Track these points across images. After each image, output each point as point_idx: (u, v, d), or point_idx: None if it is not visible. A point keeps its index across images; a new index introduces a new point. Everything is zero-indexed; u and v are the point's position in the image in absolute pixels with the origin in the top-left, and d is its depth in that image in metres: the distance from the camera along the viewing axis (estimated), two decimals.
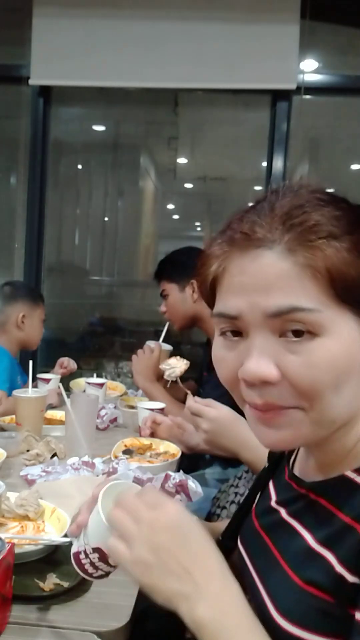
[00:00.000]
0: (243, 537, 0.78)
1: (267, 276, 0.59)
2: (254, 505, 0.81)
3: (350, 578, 0.56)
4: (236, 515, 0.89)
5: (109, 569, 0.69)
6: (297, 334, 0.59)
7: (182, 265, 2.05)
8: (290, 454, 0.79)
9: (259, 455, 1.11)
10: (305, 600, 0.59)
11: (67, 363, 2.31)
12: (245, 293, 0.61)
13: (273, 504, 0.73)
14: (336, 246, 0.58)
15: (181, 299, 2.05)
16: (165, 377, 1.56)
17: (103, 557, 0.67)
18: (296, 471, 0.74)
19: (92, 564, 0.67)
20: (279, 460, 0.81)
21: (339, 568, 0.57)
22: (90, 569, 0.68)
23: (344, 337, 0.58)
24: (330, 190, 0.64)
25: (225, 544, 0.85)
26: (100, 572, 0.68)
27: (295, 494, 0.70)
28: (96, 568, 0.67)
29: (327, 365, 0.58)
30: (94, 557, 0.67)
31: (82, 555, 0.68)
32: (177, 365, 1.54)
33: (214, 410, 1.19)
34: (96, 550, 0.66)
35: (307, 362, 0.58)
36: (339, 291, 0.58)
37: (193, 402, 1.22)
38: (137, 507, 0.62)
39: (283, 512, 0.70)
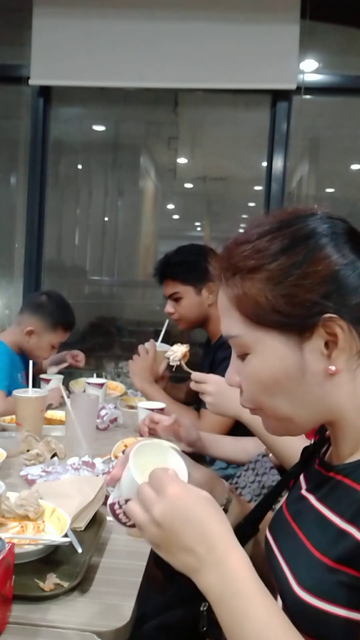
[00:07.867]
0: (271, 525, 0.81)
1: (219, 307, 0.75)
2: (286, 496, 0.85)
3: None
4: (259, 505, 0.93)
5: None
6: (240, 353, 0.73)
7: (195, 266, 1.99)
8: (321, 447, 0.82)
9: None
10: (333, 578, 0.62)
11: (82, 358, 2.35)
12: None
13: (303, 491, 0.77)
14: (253, 278, 0.69)
15: (198, 302, 2.00)
16: (170, 362, 1.65)
17: None
18: (326, 459, 0.77)
19: (125, 514, 0.75)
20: (312, 454, 0.84)
21: None
22: (124, 519, 0.76)
23: (267, 354, 0.69)
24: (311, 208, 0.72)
25: (245, 530, 0.90)
26: (132, 522, 0.74)
27: (323, 479, 0.73)
28: (128, 518, 0.74)
29: (253, 379, 0.72)
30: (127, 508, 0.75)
31: (116, 506, 0.76)
32: (178, 350, 1.64)
33: (215, 375, 1.36)
34: (128, 502, 0.74)
35: (243, 377, 0.73)
36: (253, 318, 0.69)
37: (195, 373, 1.40)
38: (145, 493, 0.68)
39: (312, 499, 0.73)
